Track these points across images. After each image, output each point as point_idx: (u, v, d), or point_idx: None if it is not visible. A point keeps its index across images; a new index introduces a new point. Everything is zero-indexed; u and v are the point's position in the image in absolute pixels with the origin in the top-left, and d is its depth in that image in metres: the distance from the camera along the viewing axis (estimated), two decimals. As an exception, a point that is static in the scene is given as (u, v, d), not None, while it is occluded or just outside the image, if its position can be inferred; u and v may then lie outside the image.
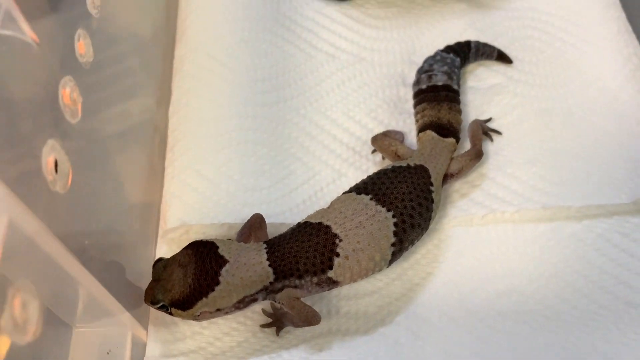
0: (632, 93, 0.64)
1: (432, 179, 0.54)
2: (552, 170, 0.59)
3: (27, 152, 0.34)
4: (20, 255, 0.32)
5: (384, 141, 0.59)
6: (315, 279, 0.49)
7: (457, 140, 0.59)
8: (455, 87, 0.62)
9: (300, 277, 0.49)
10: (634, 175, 0.58)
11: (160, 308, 0.47)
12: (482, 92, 0.65)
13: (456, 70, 0.63)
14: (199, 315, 0.47)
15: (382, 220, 0.51)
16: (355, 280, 0.51)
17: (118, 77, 0.52)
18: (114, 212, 0.48)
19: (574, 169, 0.60)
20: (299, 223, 0.52)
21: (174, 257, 0.49)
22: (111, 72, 0.51)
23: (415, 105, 0.62)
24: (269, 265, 0.48)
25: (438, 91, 0.61)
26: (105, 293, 0.44)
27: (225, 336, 0.53)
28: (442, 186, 0.56)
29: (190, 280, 0.46)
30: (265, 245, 0.50)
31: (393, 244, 0.51)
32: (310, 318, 0.50)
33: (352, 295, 0.55)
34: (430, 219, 0.53)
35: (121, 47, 0.52)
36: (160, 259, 0.49)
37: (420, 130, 0.60)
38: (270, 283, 0.49)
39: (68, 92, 0.39)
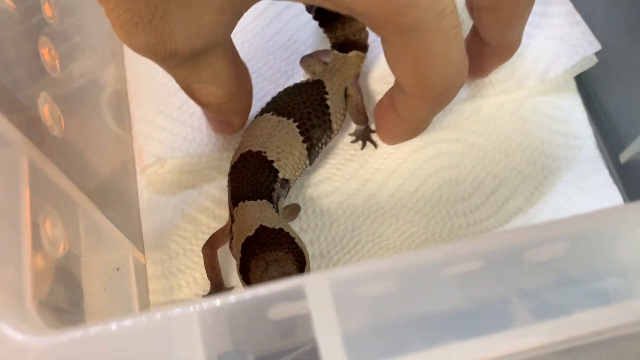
0: None
1: (327, 89, 0.61)
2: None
3: (28, 103, 0.40)
4: (40, 187, 0.39)
5: (306, 62, 0.66)
6: (278, 184, 0.57)
7: (362, 48, 0.63)
8: None
9: (278, 194, 0.57)
10: (539, 60, 0.67)
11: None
12: None
13: None
14: None
15: (286, 126, 0.58)
16: (296, 176, 0.59)
17: (78, 32, 0.58)
18: (101, 151, 0.54)
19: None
20: (229, 175, 0.58)
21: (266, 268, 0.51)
22: (74, 30, 0.56)
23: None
24: (269, 202, 0.55)
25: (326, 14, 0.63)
26: (105, 219, 0.51)
27: (213, 250, 0.62)
28: (349, 94, 0.62)
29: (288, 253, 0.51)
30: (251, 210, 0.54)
31: (304, 141, 0.58)
32: (297, 211, 0.60)
33: (316, 197, 0.64)
34: (330, 121, 0.60)
35: (82, 12, 0.57)
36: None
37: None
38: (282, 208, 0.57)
39: (47, 50, 0.45)
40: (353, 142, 0.65)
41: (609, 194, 0.63)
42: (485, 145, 0.65)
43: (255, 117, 0.61)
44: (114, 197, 0.57)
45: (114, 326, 0.27)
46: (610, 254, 0.33)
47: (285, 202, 0.60)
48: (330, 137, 0.62)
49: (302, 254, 0.52)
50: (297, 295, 0.28)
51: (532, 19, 0.70)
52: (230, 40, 0.48)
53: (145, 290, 0.59)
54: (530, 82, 0.66)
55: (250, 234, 0.52)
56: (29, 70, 0.42)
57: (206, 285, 0.60)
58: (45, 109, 0.42)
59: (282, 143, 0.58)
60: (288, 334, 0.30)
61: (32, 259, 0.34)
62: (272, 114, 0.59)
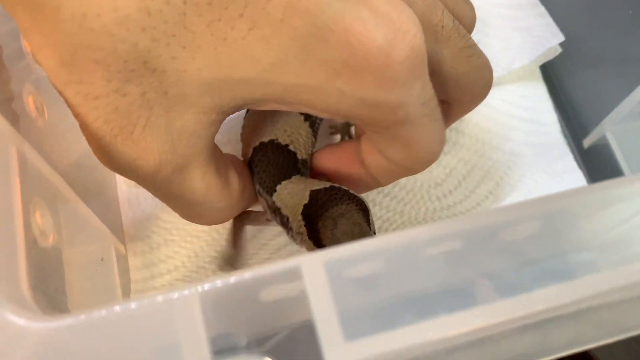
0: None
1: None
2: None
3: (14, 96, 0.40)
4: (28, 179, 0.40)
5: None
6: (300, 165, 0.55)
7: None
8: None
9: (303, 174, 0.54)
10: (505, 51, 0.70)
11: None
12: None
13: None
14: None
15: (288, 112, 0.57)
16: (309, 154, 0.57)
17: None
18: (80, 142, 0.54)
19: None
20: (250, 170, 0.55)
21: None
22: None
23: None
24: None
25: None
26: (89, 211, 0.51)
27: (194, 239, 0.62)
28: None
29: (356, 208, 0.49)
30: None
31: (305, 119, 0.57)
32: None
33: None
34: None
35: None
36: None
37: None
38: None
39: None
40: (332, 134, 0.67)
41: (573, 177, 0.66)
42: (456, 133, 0.68)
43: (249, 111, 0.59)
44: (95, 189, 0.57)
45: (117, 309, 0.28)
46: (576, 232, 0.35)
47: None
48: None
49: (363, 201, 0.50)
50: (294, 276, 0.30)
51: (497, 10, 0.73)
52: (216, 148, 0.44)
53: (127, 280, 0.59)
54: (498, 73, 0.68)
55: (306, 202, 0.49)
56: (13, 63, 0.42)
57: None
58: (30, 100, 0.42)
59: (288, 126, 0.56)
60: (283, 313, 0.32)
61: (26, 248, 0.35)
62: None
